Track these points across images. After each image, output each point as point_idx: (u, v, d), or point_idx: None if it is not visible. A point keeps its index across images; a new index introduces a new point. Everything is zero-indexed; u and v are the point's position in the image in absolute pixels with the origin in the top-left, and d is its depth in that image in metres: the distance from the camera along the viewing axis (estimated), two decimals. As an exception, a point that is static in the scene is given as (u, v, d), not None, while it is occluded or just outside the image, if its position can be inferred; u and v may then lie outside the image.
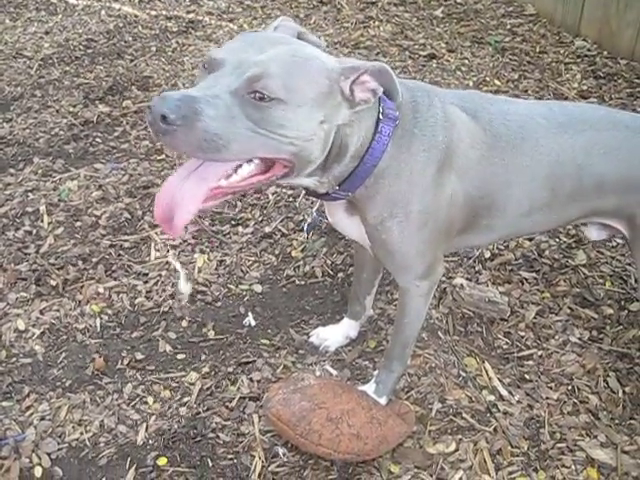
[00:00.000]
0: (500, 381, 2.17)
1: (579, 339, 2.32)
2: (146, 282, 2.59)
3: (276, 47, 1.44)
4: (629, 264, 2.61)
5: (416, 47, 4.43)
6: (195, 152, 1.36)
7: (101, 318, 2.44)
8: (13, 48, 4.58)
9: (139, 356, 2.29)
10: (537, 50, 4.34)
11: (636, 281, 2.53)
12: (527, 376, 2.20)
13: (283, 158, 1.45)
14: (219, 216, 2.94)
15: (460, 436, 1.99)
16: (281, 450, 1.96)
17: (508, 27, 4.68)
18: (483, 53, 4.34)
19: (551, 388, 2.16)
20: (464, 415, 2.06)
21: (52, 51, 4.51)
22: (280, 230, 2.84)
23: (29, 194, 3.08)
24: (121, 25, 4.90)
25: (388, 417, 1.91)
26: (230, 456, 1.96)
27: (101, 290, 2.54)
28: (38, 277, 2.60)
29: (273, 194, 3.05)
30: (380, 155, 1.62)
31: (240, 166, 1.45)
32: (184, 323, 2.42)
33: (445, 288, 2.51)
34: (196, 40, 4.60)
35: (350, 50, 4.37)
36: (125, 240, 2.80)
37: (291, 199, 2.99)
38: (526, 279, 2.57)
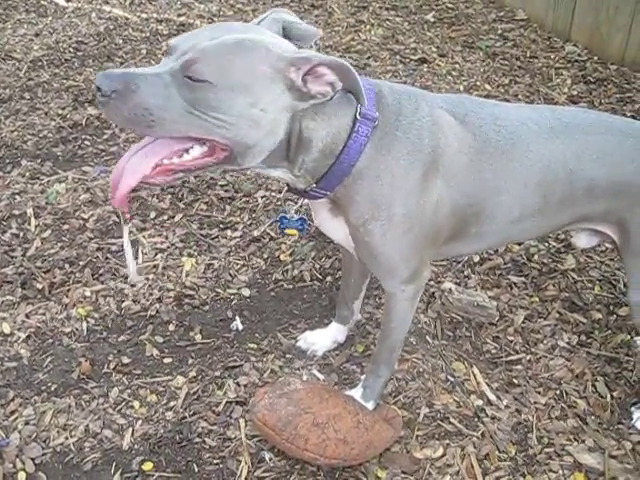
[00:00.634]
0: (488, 386, 2.16)
1: (567, 344, 2.32)
2: (133, 286, 2.57)
3: (226, 35, 1.47)
4: (618, 269, 2.61)
5: (407, 51, 4.44)
6: (127, 124, 1.45)
7: (87, 322, 2.42)
8: (2, 50, 4.57)
9: (125, 360, 2.27)
10: (528, 55, 4.35)
11: (625, 285, 2.53)
12: (515, 381, 2.19)
13: (217, 141, 1.48)
14: (207, 219, 2.93)
15: (448, 441, 1.99)
16: (267, 455, 1.94)
17: (499, 32, 4.69)
18: (474, 58, 4.35)
19: (539, 393, 2.15)
20: (452, 420, 2.05)
21: (41, 53, 4.50)
22: (269, 234, 2.83)
23: (16, 197, 3.06)
24: (111, 28, 4.89)
25: (375, 422, 1.90)
26: (216, 461, 1.95)
27: (88, 293, 2.53)
28: (24, 280, 2.58)
29: (262, 197, 3.04)
30: (357, 155, 1.61)
31: (192, 147, 1.50)
32: (171, 327, 2.40)
33: (434, 292, 2.50)
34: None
35: (341, 54, 4.37)
36: (112, 243, 2.78)
37: (280, 203, 2.98)
38: (515, 283, 2.57)
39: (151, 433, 2.03)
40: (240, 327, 2.40)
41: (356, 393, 2.03)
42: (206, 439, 2.00)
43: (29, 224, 2.89)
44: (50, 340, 2.35)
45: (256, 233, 2.83)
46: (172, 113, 1.42)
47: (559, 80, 4.03)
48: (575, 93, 3.88)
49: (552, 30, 4.61)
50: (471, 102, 1.83)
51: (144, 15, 5.10)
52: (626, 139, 1.83)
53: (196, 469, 1.92)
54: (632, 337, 2.33)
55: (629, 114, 3.59)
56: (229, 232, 2.85)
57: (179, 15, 5.08)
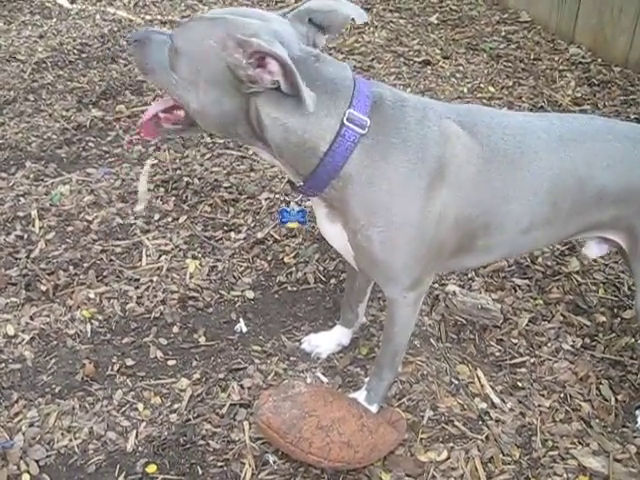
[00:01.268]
0: (492, 389, 2.16)
1: (572, 346, 2.32)
2: (137, 288, 2.57)
3: (222, 13, 1.65)
4: (622, 271, 2.61)
5: (411, 53, 4.44)
6: (139, 67, 1.78)
7: (91, 324, 2.42)
8: (7, 52, 4.57)
9: (129, 362, 2.27)
10: (531, 57, 4.35)
11: (629, 289, 2.53)
12: (519, 384, 2.19)
13: (175, 99, 1.69)
14: (211, 222, 2.93)
15: (452, 444, 1.98)
16: (271, 458, 1.94)
17: (503, 34, 4.69)
18: (478, 60, 4.34)
19: (543, 396, 2.15)
20: (456, 423, 2.04)
21: (46, 55, 4.50)
22: (272, 236, 2.83)
23: (20, 198, 3.06)
24: (115, 29, 4.89)
25: (379, 425, 1.90)
26: (220, 463, 1.94)
27: (92, 295, 2.53)
28: (28, 282, 2.59)
29: (266, 200, 3.04)
30: (342, 159, 1.62)
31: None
32: (175, 329, 2.40)
33: (438, 295, 2.50)
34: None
35: (345, 56, 4.37)
36: (117, 245, 2.78)
37: (284, 205, 2.98)
38: (519, 286, 2.56)
39: (155, 435, 2.03)
40: (244, 329, 2.40)
41: (360, 396, 2.03)
42: (210, 441, 2.00)
43: (33, 226, 2.89)
44: (54, 342, 2.35)
45: (260, 235, 2.83)
46: (158, 67, 1.67)
47: (563, 82, 4.03)
48: (579, 95, 3.87)
49: (556, 32, 4.60)
50: (480, 112, 1.82)
51: (148, 17, 5.11)
52: (635, 145, 1.83)
53: (200, 472, 1.92)
54: (636, 340, 2.33)
55: (633, 116, 3.59)
56: (233, 234, 2.85)
57: (183, 17, 5.08)
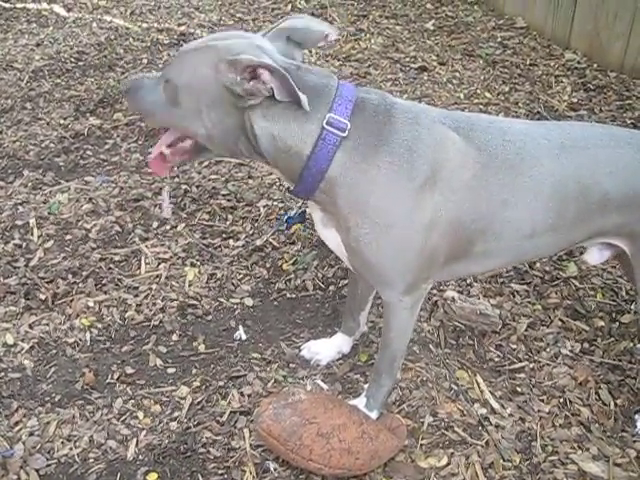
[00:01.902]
0: (492, 394, 2.16)
1: (570, 351, 2.32)
2: (136, 296, 2.58)
3: (206, 42, 1.72)
4: (620, 276, 2.61)
5: (407, 60, 4.45)
6: (138, 114, 1.97)
7: (91, 332, 2.42)
8: (3, 60, 4.58)
9: (129, 370, 2.27)
10: (527, 63, 4.36)
11: (627, 293, 2.54)
12: (519, 389, 2.19)
13: (182, 132, 1.75)
14: (210, 229, 2.93)
15: (452, 450, 1.99)
16: (272, 465, 1.94)
17: (499, 40, 4.70)
18: (474, 66, 4.36)
19: (543, 401, 2.15)
20: (456, 429, 2.05)
21: (43, 63, 4.51)
22: (271, 243, 2.84)
23: (19, 207, 3.06)
24: (112, 37, 4.90)
25: (379, 431, 1.90)
26: (221, 471, 1.94)
27: (91, 304, 2.53)
28: (27, 291, 2.59)
29: (264, 207, 3.04)
30: (325, 162, 1.67)
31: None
32: (174, 337, 2.41)
33: (436, 301, 2.51)
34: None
35: (341, 63, 4.39)
36: (115, 253, 2.79)
37: (282, 212, 2.99)
38: (517, 291, 2.57)
39: (155, 443, 2.03)
40: (243, 337, 2.40)
41: (360, 403, 2.03)
42: (210, 449, 2.00)
43: (32, 234, 2.89)
44: (54, 351, 2.36)
45: (259, 242, 2.83)
46: (156, 108, 1.74)
47: (559, 87, 4.04)
48: (575, 100, 3.89)
49: (551, 38, 4.62)
50: (478, 119, 1.84)
51: (145, 25, 5.12)
52: (637, 152, 1.84)
53: (201, 479, 1.92)
54: (635, 345, 2.34)
55: (629, 122, 3.60)
56: (231, 242, 2.86)
57: (180, 25, 5.10)
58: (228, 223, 2.97)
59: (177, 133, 1.78)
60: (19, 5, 5.59)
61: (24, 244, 2.84)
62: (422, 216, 1.70)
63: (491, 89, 4.04)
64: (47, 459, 1.98)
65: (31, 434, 2.05)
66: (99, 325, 2.46)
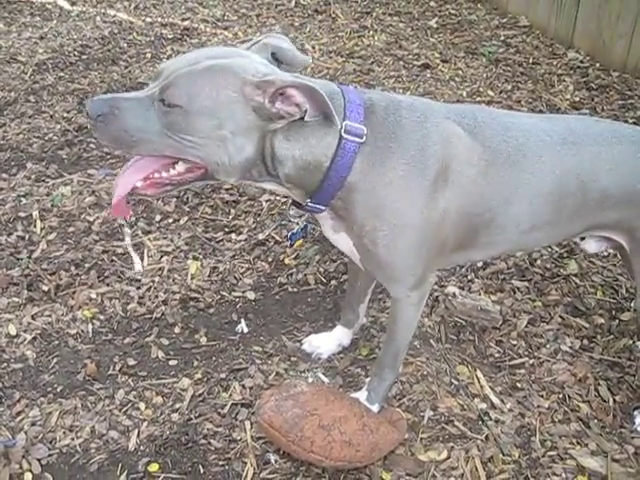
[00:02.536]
0: (492, 389, 2.18)
1: (570, 348, 2.33)
2: (139, 288, 2.59)
3: (205, 61, 1.55)
4: (620, 274, 2.62)
5: (410, 57, 4.46)
6: (113, 144, 1.60)
7: (93, 324, 2.43)
8: (7, 53, 4.59)
9: (131, 362, 2.28)
10: (530, 61, 4.37)
11: (627, 291, 2.55)
12: (518, 384, 2.20)
13: (189, 160, 1.58)
14: (212, 223, 2.94)
15: (452, 444, 2.00)
16: (273, 457, 1.95)
17: (502, 38, 4.71)
18: (477, 64, 4.36)
19: (542, 396, 2.16)
20: (456, 423, 2.06)
21: (46, 56, 4.52)
22: (273, 237, 2.85)
23: (22, 199, 3.07)
24: (116, 31, 4.91)
25: (380, 424, 1.91)
26: (222, 463, 1.96)
27: (93, 296, 2.54)
28: (30, 282, 2.60)
29: (267, 201, 3.05)
30: (346, 170, 1.64)
31: (177, 163, 1.61)
32: (176, 329, 2.42)
33: (437, 297, 2.52)
34: (191, 47, 4.60)
35: (345, 59, 4.39)
36: (118, 246, 2.79)
37: (284, 207, 3.00)
38: (518, 288, 2.58)
39: (157, 435, 2.04)
40: (245, 330, 2.41)
41: (361, 396, 2.04)
42: (212, 441, 2.01)
43: (35, 226, 2.90)
44: (56, 342, 2.37)
45: (261, 237, 2.84)
46: (149, 134, 1.55)
47: (561, 86, 4.05)
48: (577, 99, 3.89)
49: (554, 37, 4.63)
50: (482, 113, 1.83)
51: (148, 19, 5.12)
52: (638, 149, 1.84)
53: (202, 470, 1.93)
54: (634, 342, 2.35)
55: (631, 121, 3.61)
56: (234, 235, 2.87)
57: (183, 19, 5.11)
58: (230, 217, 2.98)
59: (162, 162, 1.62)
60: (23, -2, 5.61)
61: (27, 236, 2.85)
62: (436, 212, 1.71)
63: (494, 87, 4.05)
64: (49, 449, 1.99)
65: (33, 424, 2.06)
66: (101, 317, 2.47)
